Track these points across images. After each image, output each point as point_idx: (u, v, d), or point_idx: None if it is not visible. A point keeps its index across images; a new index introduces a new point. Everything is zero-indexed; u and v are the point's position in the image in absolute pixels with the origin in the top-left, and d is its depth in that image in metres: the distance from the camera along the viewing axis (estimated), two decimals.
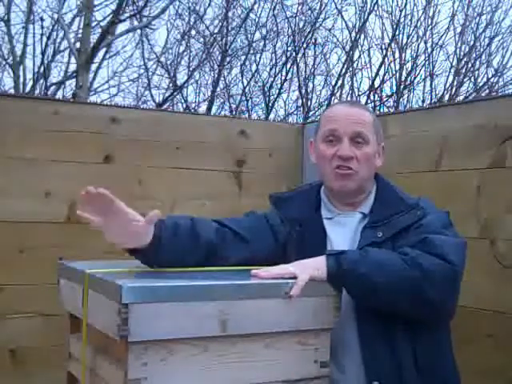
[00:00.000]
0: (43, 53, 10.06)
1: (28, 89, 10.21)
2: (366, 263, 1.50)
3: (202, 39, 10.85)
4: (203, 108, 11.07)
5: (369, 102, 10.44)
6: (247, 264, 1.62)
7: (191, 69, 10.93)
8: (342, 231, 1.70)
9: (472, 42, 10.69)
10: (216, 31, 10.75)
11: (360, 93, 10.58)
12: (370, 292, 1.50)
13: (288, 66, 10.76)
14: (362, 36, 10.57)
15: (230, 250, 1.64)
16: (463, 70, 10.89)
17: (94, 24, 9.10)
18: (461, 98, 10.56)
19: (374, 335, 1.57)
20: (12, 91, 9.87)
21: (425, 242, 1.55)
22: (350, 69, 10.56)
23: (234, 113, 10.83)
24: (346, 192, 1.70)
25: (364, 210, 1.72)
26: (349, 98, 10.25)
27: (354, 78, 10.62)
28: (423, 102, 10.50)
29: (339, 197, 1.73)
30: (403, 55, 10.59)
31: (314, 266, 1.49)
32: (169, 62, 11.08)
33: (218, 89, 11.07)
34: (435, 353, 1.61)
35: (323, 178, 1.75)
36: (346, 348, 1.60)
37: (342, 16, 10.63)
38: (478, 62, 10.86)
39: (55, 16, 9.69)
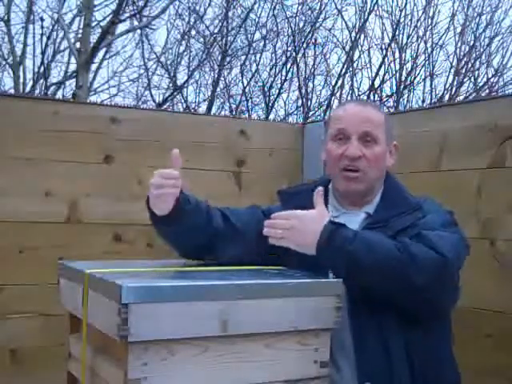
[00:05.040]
0: (43, 53, 10.06)
1: (28, 89, 10.22)
2: (356, 241, 1.50)
3: (202, 39, 10.86)
4: (203, 108, 11.10)
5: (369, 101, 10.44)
6: (242, 258, 1.64)
7: (191, 69, 10.94)
8: None
9: (472, 42, 10.70)
10: (216, 31, 10.76)
11: (360, 93, 10.58)
12: (355, 270, 1.50)
13: (288, 66, 10.78)
14: (362, 36, 10.59)
15: (228, 243, 1.66)
16: (463, 70, 10.89)
17: (94, 24, 9.11)
18: (461, 98, 10.56)
19: (366, 332, 1.56)
20: (12, 91, 9.87)
21: (419, 236, 1.55)
22: (350, 69, 10.57)
23: (233, 113, 10.84)
24: (352, 193, 1.71)
25: (369, 209, 1.72)
26: (349, 98, 10.26)
27: (354, 78, 10.64)
28: (423, 102, 10.51)
29: (346, 197, 1.74)
30: (403, 55, 10.61)
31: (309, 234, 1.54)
32: (169, 62, 11.09)
33: (218, 89, 11.10)
34: (430, 352, 1.59)
35: (331, 177, 1.76)
36: (342, 347, 1.60)
37: (342, 16, 10.65)
38: (478, 62, 10.86)
39: (55, 16, 9.70)
